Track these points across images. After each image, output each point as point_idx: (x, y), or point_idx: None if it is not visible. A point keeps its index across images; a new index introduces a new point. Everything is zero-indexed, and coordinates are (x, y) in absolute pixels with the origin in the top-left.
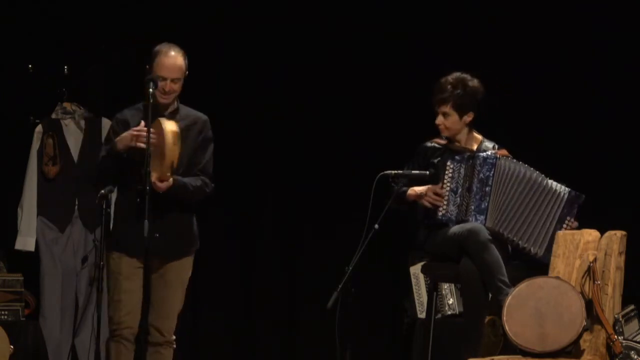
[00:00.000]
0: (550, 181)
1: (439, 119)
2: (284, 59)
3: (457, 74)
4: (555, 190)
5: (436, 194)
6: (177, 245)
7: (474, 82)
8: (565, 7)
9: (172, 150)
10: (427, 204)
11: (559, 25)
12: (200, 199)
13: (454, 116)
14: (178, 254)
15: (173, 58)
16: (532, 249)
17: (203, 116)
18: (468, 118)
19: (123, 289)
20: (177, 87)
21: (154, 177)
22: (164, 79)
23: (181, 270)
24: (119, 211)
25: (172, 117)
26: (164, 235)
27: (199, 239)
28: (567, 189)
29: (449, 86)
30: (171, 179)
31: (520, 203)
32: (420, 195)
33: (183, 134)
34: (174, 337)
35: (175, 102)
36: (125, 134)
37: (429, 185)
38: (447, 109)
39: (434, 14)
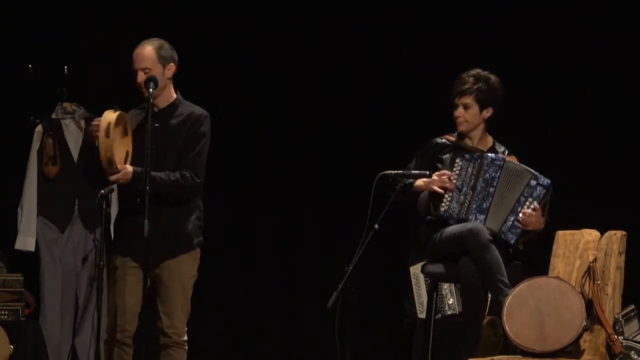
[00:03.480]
0: (532, 171)
1: (459, 111)
2: (284, 58)
3: (477, 70)
4: (530, 176)
5: (443, 180)
6: (168, 244)
7: (495, 78)
8: (566, 7)
9: (104, 143)
10: (435, 187)
11: (558, 25)
12: (180, 193)
13: (475, 108)
14: (170, 253)
15: (140, 48)
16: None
17: (198, 111)
18: (487, 113)
19: (117, 291)
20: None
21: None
22: (137, 71)
23: (177, 268)
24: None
25: (166, 113)
26: (153, 234)
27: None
28: (538, 174)
29: (471, 78)
30: (126, 172)
31: (511, 200)
32: (427, 183)
33: (174, 130)
34: (184, 338)
35: (172, 97)
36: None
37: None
38: (469, 100)
39: (433, 15)
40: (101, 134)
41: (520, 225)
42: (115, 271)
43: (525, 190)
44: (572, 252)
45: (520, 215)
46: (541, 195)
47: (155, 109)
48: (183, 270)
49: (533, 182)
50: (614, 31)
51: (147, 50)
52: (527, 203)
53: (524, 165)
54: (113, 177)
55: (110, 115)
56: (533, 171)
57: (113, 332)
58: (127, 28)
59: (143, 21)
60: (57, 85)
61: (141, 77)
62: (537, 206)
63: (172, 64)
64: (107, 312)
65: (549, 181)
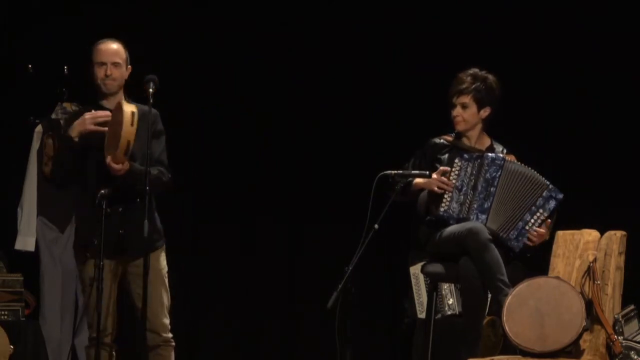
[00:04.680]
0: (546, 182)
1: (457, 111)
2: (284, 58)
3: (474, 69)
4: (544, 187)
5: (443, 181)
6: (147, 240)
7: (492, 78)
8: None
9: (129, 131)
10: (434, 188)
11: (558, 25)
12: (159, 189)
13: (473, 108)
14: (149, 249)
15: (108, 43)
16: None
17: (153, 110)
18: (484, 113)
19: (94, 294)
20: (118, 72)
21: (108, 159)
22: (104, 64)
23: (156, 264)
24: (80, 212)
25: None
26: (128, 232)
27: (164, 234)
28: (553, 187)
29: (468, 78)
30: (127, 164)
31: (517, 203)
32: (426, 183)
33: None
34: (170, 335)
35: (122, 97)
36: (80, 119)
37: (436, 171)
38: (467, 99)
39: (433, 15)
40: (126, 121)
41: (529, 242)
42: (90, 274)
43: (538, 201)
44: (572, 252)
45: (531, 230)
46: (552, 209)
47: (111, 108)
48: (162, 265)
49: (546, 194)
50: (614, 31)
51: (118, 46)
52: (538, 214)
53: (526, 167)
54: (117, 167)
55: (130, 106)
56: (547, 182)
57: (98, 334)
58: (127, 28)
59: (143, 21)
60: (57, 85)
61: (111, 70)
62: (549, 221)
63: (129, 65)
64: (88, 315)
65: (562, 195)
